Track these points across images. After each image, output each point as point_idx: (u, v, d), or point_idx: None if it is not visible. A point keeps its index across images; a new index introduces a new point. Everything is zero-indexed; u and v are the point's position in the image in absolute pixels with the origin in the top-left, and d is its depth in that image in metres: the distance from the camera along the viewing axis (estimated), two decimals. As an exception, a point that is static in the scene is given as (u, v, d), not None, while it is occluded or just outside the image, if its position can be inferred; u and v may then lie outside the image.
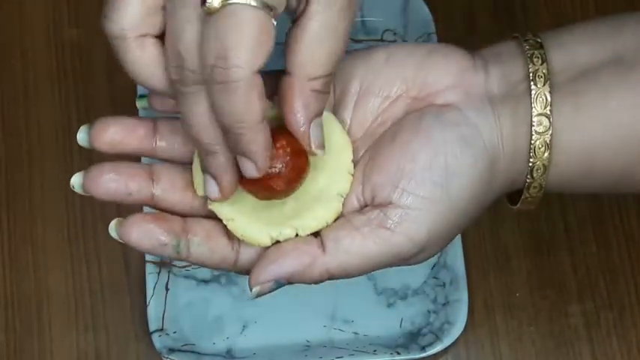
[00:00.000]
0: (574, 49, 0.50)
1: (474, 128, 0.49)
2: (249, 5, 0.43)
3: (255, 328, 0.71)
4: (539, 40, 0.50)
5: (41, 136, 0.75)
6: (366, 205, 0.50)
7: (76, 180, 0.51)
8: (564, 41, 0.51)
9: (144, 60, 0.47)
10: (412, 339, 0.70)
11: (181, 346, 0.69)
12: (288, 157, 0.48)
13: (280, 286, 0.49)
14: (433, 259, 0.72)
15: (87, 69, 0.76)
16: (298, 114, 0.47)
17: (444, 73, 0.50)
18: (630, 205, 0.73)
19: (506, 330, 0.71)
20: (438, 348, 0.69)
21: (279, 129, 0.48)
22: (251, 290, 0.49)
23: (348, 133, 0.51)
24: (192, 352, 0.69)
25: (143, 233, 0.49)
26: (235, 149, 0.47)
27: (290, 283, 0.49)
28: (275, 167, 0.48)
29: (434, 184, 0.48)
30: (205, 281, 0.71)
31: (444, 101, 0.50)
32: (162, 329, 0.69)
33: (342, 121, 0.51)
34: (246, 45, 0.44)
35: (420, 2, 0.74)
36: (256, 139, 0.46)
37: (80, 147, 0.73)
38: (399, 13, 0.75)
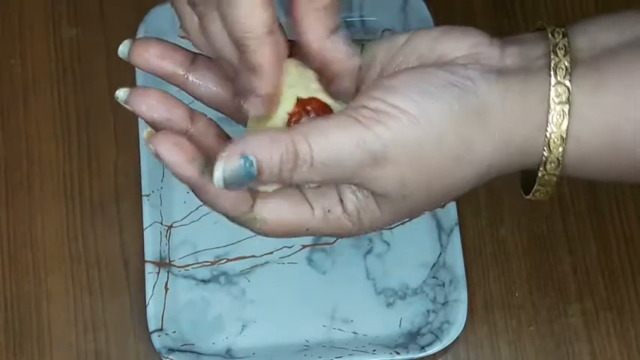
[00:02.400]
0: (596, 33, 0.50)
1: (469, 80, 0.49)
2: None
3: (254, 328, 0.71)
4: (561, 25, 0.50)
5: (41, 136, 0.75)
6: None
7: (121, 95, 0.51)
8: (586, 26, 0.50)
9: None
10: (411, 339, 0.70)
11: (181, 346, 0.69)
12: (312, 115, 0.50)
13: (249, 172, 0.46)
14: (433, 259, 0.72)
15: (87, 69, 0.76)
16: (310, 33, 0.48)
17: (458, 45, 0.50)
18: (630, 205, 0.73)
19: (506, 330, 0.71)
20: (437, 348, 0.69)
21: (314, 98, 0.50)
22: (214, 176, 0.46)
23: None
24: (192, 352, 0.69)
25: (175, 143, 0.47)
26: (245, 64, 0.48)
27: (260, 171, 0.46)
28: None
29: (409, 98, 0.48)
30: (205, 281, 0.71)
31: (451, 60, 0.50)
32: (161, 329, 0.69)
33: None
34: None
35: (419, 2, 0.74)
36: (262, 51, 0.47)
37: (80, 147, 0.74)
38: (398, 13, 0.75)
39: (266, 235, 0.51)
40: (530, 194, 0.52)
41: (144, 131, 0.49)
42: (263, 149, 0.46)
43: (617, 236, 0.73)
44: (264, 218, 0.50)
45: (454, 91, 0.48)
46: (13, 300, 0.72)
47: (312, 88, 0.50)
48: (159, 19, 0.74)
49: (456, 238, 0.71)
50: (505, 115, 0.49)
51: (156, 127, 0.51)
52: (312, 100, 0.50)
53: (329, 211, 0.51)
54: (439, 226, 0.72)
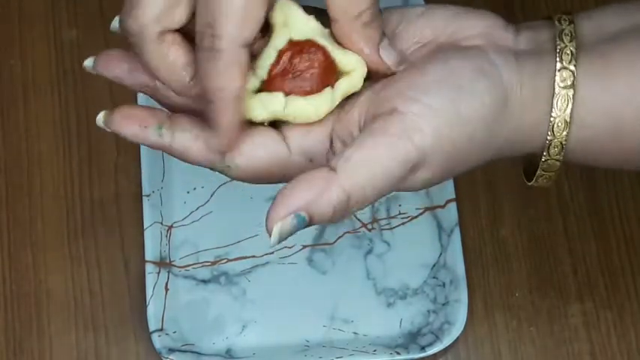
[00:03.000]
0: (602, 20, 0.51)
1: (494, 66, 0.49)
2: None
3: (254, 328, 0.71)
4: (567, 13, 0.51)
5: (41, 136, 0.75)
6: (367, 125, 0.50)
7: (88, 63, 0.52)
8: (592, 14, 0.51)
9: (164, 56, 0.48)
10: (412, 339, 0.70)
11: (181, 346, 0.69)
12: (314, 69, 0.50)
13: (302, 224, 0.46)
14: (433, 259, 0.72)
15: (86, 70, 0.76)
16: (364, 49, 0.49)
17: (474, 24, 0.51)
18: (630, 205, 0.73)
19: (506, 330, 0.71)
20: (437, 348, 0.69)
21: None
22: (270, 234, 0.46)
23: None
24: (192, 352, 0.69)
25: (127, 117, 0.50)
26: (205, 114, 0.48)
27: (312, 220, 0.47)
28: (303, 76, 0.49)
29: (444, 97, 0.48)
30: (205, 281, 0.71)
31: (469, 44, 0.50)
32: (161, 329, 0.69)
33: None
34: (232, 17, 0.45)
35: (419, 1, 0.74)
36: (225, 114, 0.47)
37: (80, 147, 0.74)
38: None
39: (243, 180, 0.51)
40: (534, 180, 0.52)
41: (99, 115, 0.50)
42: (314, 205, 0.46)
43: (617, 236, 0.73)
44: (237, 165, 0.50)
45: (484, 83, 0.49)
46: (13, 300, 0.72)
47: (329, 47, 0.50)
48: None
49: (456, 238, 0.71)
50: (519, 100, 0.49)
51: (124, 85, 0.52)
52: (307, 43, 0.50)
53: (311, 160, 0.50)
54: (439, 226, 0.72)
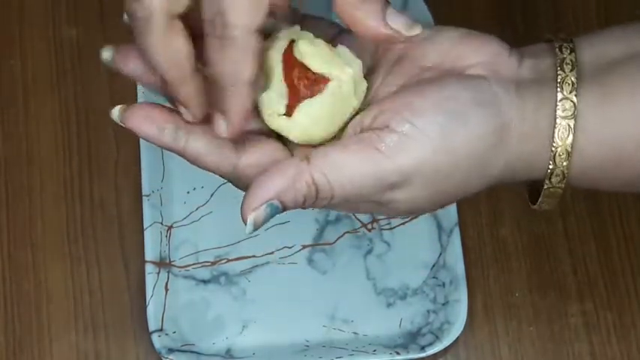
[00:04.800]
0: (603, 45, 0.51)
1: (493, 96, 0.49)
2: None
3: (254, 328, 0.71)
4: (569, 37, 0.51)
5: (41, 136, 0.75)
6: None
7: (106, 54, 0.52)
8: (593, 39, 0.51)
9: (169, 44, 0.47)
10: (412, 339, 0.70)
11: (181, 346, 0.69)
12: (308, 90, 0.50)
13: (275, 211, 0.48)
14: (433, 259, 0.72)
15: (86, 69, 0.76)
16: (370, 24, 0.48)
17: (479, 51, 0.51)
18: (630, 205, 0.73)
19: (506, 330, 0.71)
20: (437, 348, 0.69)
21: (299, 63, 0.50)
22: (246, 223, 0.48)
23: (376, 95, 0.52)
24: (192, 352, 0.69)
25: (144, 117, 0.49)
26: (215, 103, 0.48)
27: (285, 208, 0.48)
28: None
29: (436, 122, 0.48)
30: (205, 281, 0.71)
31: (473, 73, 0.50)
32: (161, 329, 0.69)
33: (371, 85, 0.52)
34: (242, 4, 0.45)
35: (419, 2, 0.74)
36: (238, 101, 0.47)
37: (80, 147, 0.74)
38: (398, 13, 0.75)
39: None
40: (537, 205, 0.52)
41: (114, 108, 0.50)
42: (286, 193, 0.48)
43: (617, 236, 0.73)
44: (247, 176, 0.50)
45: (480, 112, 0.49)
46: (13, 300, 0.72)
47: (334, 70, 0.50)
48: (159, 19, 0.74)
49: (456, 238, 0.71)
50: (520, 131, 0.50)
51: (140, 82, 0.51)
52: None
53: None
54: (439, 226, 0.72)
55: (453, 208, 0.72)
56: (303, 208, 0.49)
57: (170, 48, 0.47)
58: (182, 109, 0.50)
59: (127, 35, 0.74)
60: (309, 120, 0.50)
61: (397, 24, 0.49)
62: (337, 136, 0.51)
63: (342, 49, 0.51)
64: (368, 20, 0.49)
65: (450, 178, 0.49)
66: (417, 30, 0.50)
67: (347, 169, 0.48)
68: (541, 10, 0.77)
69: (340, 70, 0.50)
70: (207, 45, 0.47)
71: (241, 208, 0.48)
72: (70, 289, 0.72)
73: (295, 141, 0.51)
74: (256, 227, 0.48)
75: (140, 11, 0.47)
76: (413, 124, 0.48)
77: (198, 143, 0.50)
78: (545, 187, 0.51)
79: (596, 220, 0.73)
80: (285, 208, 0.49)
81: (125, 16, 0.50)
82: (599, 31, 0.52)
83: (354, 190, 0.49)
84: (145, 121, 0.50)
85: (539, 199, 0.52)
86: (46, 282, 0.72)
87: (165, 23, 0.47)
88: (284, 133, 0.51)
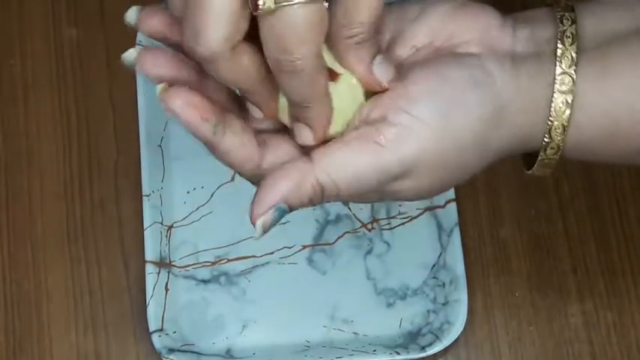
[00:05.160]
0: (605, 15, 0.50)
1: (488, 74, 0.49)
2: (300, 3, 0.44)
3: (254, 328, 0.71)
4: (570, 4, 0.50)
5: (41, 136, 0.75)
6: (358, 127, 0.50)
7: (129, 56, 0.50)
8: (596, 9, 0.51)
9: (238, 68, 0.47)
10: (412, 339, 0.70)
11: (181, 346, 0.69)
12: None
13: (283, 214, 0.49)
14: (433, 259, 0.72)
15: (87, 69, 0.76)
16: (357, 69, 0.49)
17: (470, 27, 0.51)
18: (630, 205, 0.73)
19: (506, 330, 0.71)
20: (437, 348, 0.69)
21: None
22: (255, 226, 0.49)
23: None
24: (192, 352, 0.69)
25: (189, 103, 0.48)
26: (299, 118, 0.49)
27: (292, 208, 0.49)
28: None
29: (434, 109, 0.48)
30: (205, 281, 0.71)
31: (465, 51, 0.50)
32: (161, 329, 0.69)
33: None
34: (305, 39, 0.45)
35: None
36: (321, 112, 0.48)
37: (80, 147, 0.74)
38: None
39: None
40: (531, 171, 0.52)
41: (158, 86, 0.49)
42: (292, 196, 0.49)
43: (617, 236, 0.73)
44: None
45: (477, 94, 0.49)
46: (13, 300, 0.72)
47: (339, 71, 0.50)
48: (159, 19, 0.74)
49: (456, 239, 0.71)
50: (517, 106, 0.49)
51: (165, 42, 0.51)
52: None
53: None
54: (439, 227, 0.72)
55: (453, 208, 0.72)
56: (312, 205, 0.50)
57: (238, 69, 0.47)
58: (253, 109, 0.50)
59: (127, 35, 0.75)
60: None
61: (382, 76, 0.50)
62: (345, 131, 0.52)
63: None
64: (355, 65, 0.49)
65: (453, 162, 0.49)
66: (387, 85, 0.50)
67: (350, 166, 0.49)
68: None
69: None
70: (278, 76, 0.47)
71: (250, 213, 0.49)
72: (70, 289, 0.72)
73: None
74: (265, 231, 0.49)
75: (204, 52, 0.46)
76: (410, 113, 0.48)
77: (233, 139, 0.49)
78: (540, 158, 0.51)
79: (596, 220, 0.73)
80: (291, 209, 0.49)
81: (128, 16, 0.50)
82: (598, 1, 0.51)
83: (359, 185, 0.49)
84: (189, 108, 0.48)
85: (534, 168, 0.52)
86: (46, 282, 0.72)
87: (229, 56, 0.46)
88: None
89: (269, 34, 0.45)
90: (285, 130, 0.52)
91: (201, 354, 0.69)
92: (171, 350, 0.68)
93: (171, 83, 0.49)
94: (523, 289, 0.72)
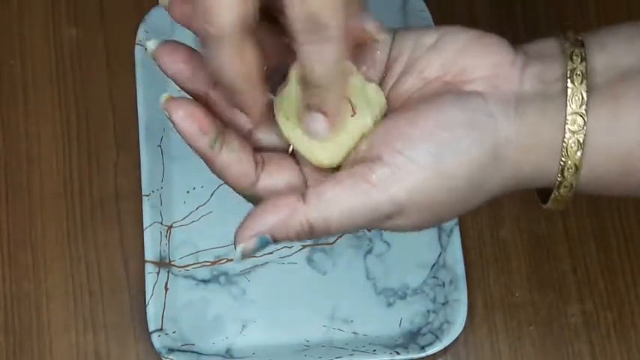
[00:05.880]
0: (616, 51, 0.50)
1: (489, 116, 0.49)
2: None
3: (254, 327, 0.71)
4: (580, 39, 0.50)
5: (41, 136, 0.75)
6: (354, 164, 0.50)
7: (151, 45, 0.51)
8: (606, 42, 0.50)
9: (242, 56, 0.47)
10: (412, 339, 0.70)
11: (181, 346, 0.69)
12: None
13: (265, 244, 0.49)
14: (433, 259, 0.72)
15: (86, 69, 0.76)
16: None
17: (480, 63, 0.50)
18: (630, 205, 0.73)
19: (506, 330, 0.71)
20: (437, 348, 0.69)
21: None
22: (236, 250, 0.49)
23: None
24: (192, 352, 0.69)
25: (190, 114, 0.49)
26: (314, 104, 0.49)
27: (275, 240, 0.49)
28: None
29: (428, 151, 0.48)
30: (205, 281, 0.71)
31: (472, 89, 0.50)
32: (161, 329, 0.69)
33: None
34: (334, 4, 0.45)
35: (419, 1, 0.74)
36: (337, 96, 0.49)
37: (80, 147, 0.74)
38: (398, 12, 0.75)
39: None
40: (546, 206, 0.52)
41: (162, 95, 0.50)
42: (278, 230, 0.49)
43: (617, 236, 0.73)
44: (262, 198, 0.51)
45: (473, 138, 0.49)
46: (13, 300, 0.72)
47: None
48: (159, 19, 0.74)
49: (456, 238, 0.71)
50: (518, 146, 0.49)
51: (176, 83, 0.51)
52: None
53: None
54: (439, 227, 0.72)
55: (452, 208, 0.72)
56: (299, 241, 0.51)
57: (242, 63, 0.47)
58: (243, 115, 0.50)
59: (127, 35, 0.75)
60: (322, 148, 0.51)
61: (367, 22, 0.51)
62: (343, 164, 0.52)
63: (374, 87, 0.52)
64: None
65: (445, 202, 0.49)
66: (386, 36, 0.51)
67: (341, 205, 0.48)
68: (541, 9, 0.77)
69: (366, 113, 0.51)
70: (301, 52, 0.47)
71: (235, 234, 0.49)
72: (70, 289, 0.72)
73: (301, 152, 0.51)
74: (245, 257, 0.49)
75: (212, 30, 0.46)
76: (404, 155, 0.48)
77: (230, 155, 0.50)
78: (554, 196, 0.51)
79: (596, 220, 0.73)
80: (275, 242, 0.49)
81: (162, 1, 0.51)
82: (612, 29, 0.51)
83: (351, 223, 0.49)
84: (188, 118, 0.49)
85: (547, 204, 0.52)
86: (45, 282, 0.72)
87: (238, 41, 0.46)
88: (292, 141, 0.51)
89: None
90: (285, 151, 0.52)
91: (200, 354, 0.69)
92: (171, 350, 0.68)
93: (180, 84, 0.50)
94: (523, 289, 0.72)
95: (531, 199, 0.73)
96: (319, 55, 0.47)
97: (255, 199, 0.51)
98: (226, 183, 0.51)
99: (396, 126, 0.49)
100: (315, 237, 0.50)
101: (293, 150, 0.52)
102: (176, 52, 0.51)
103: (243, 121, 0.52)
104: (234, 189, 0.52)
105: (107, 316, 0.71)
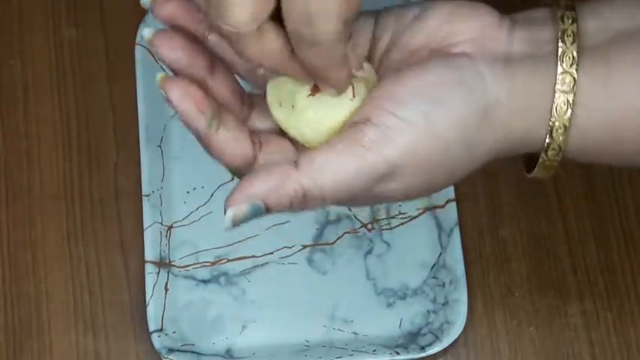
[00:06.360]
0: (608, 15, 0.50)
1: (478, 75, 0.49)
2: None
3: (254, 328, 0.71)
4: (571, 3, 0.50)
5: (41, 136, 0.75)
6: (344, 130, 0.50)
7: (146, 33, 0.51)
8: (599, 7, 0.50)
9: (263, 46, 0.47)
10: (412, 339, 0.70)
11: (181, 346, 0.69)
12: None
13: (258, 212, 0.48)
14: (433, 259, 0.72)
15: (86, 68, 0.76)
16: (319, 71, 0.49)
17: (466, 27, 0.50)
18: (630, 205, 0.73)
19: (506, 330, 0.71)
20: (437, 348, 0.69)
21: None
22: (225, 215, 0.48)
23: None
24: (192, 352, 0.69)
25: (186, 93, 0.49)
26: (318, 79, 0.49)
27: (268, 210, 0.48)
28: None
29: (417, 109, 0.48)
30: (205, 281, 0.71)
31: (459, 51, 0.50)
32: (161, 329, 0.69)
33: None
34: (330, 13, 0.45)
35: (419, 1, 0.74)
36: (343, 71, 0.48)
37: (80, 147, 0.74)
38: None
39: None
40: (532, 174, 0.52)
41: (158, 74, 0.49)
42: (271, 196, 0.48)
43: (617, 236, 0.73)
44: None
45: (462, 95, 0.48)
46: (13, 300, 0.71)
47: None
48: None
49: (456, 239, 0.71)
50: (509, 108, 0.49)
51: (175, 71, 0.51)
52: None
53: None
54: (439, 227, 0.72)
55: (452, 208, 0.72)
56: (291, 212, 0.49)
57: (265, 48, 0.47)
58: (240, 102, 0.50)
59: (127, 35, 0.75)
60: (315, 119, 0.50)
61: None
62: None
63: (367, 66, 0.52)
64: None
65: (439, 161, 0.49)
66: (358, 73, 0.51)
67: (335, 170, 0.48)
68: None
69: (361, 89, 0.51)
70: (296, 48, 0.47)
71: (225, 201, 0.48)
72: (70, 289, 0.72)
73: (291, 134, 0.51)
74: (235, 224, 0.48)
75: (229, 28, 0.46)
76: (394, 114, 0.48)
77: (227, 134, 0.49)
78: (541, 160, 0.50)
79: (596, 220, 0.73)
80: (268, 211, 0.48)
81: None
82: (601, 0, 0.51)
83: (346, 189, 0.48)
84: (185, 96, 0.49)
85: (535, 170, 0.51)
86: (45, 282, 0.72)
87: (256, 34, 0.46)
88: (283, 125, 0.51)
89: (291, 5, 0.45)
90: (282, 133, 0.52)
91: (201, 354, 0.69)
92: (171, 350, 0.68)
93: (178, 72, 0.50)
94: (523, 289, 0.72)
95: (532, 198, 0.73)
96: (317, 56, 0.47)
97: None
98: (224, 164, 0.51)
99: (385, 89, 0.49)
100: (309, 206, 0.49)
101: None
102: (173, 39, 0.50)
103: (239, 106, 0.52)
104: (232, 171, 0.51)
105: (107, 316, 0.71)
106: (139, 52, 0.74)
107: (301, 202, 0.49)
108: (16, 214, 0.73)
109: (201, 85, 0.50)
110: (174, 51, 0.50)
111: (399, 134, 0.48)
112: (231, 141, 0.49)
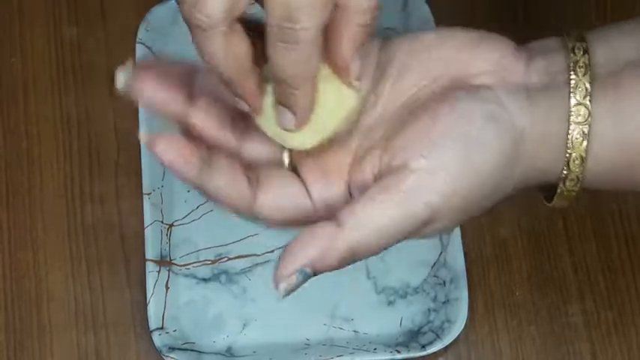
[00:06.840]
0: (618, 44, 0.50)
1: (503, 107, 0.49)
2: None
3: (255, 326, 0.71)
4: (582, 34, 0.50)
5: (41, 135, 0.75)
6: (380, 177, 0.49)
7: (121, 79, 0.51)
8: (608, 37, 0.50)
9: (231, 47, 0.47)
10: (412, 337, 0.70)
11: (181, 345, 0.69)
12: None
13: (307, 278, 0.48)
14: (433, 258, 0.72)
15: (87, 68, 0.76)
16: (344, 48, 0.48)
17: (484, 58, 0.50)
18: (630, 205, 0.73)
19: (506, 329, 0.71)
20: (438, 346, 0.69)
21: None
22: (278, 289, 0.48)
23: (385, 110, 0.51)
24: (193, 350, 0.69)
25: (170, 146, 0.49)
26: (282, 100, 0.48)
27: (316, 272, 0.48)
28: None
29: (453, 149, 0.48)
30: (205, 280, 0.71)
31: (479, 83, 0.50)
32: (162, 328, 0.69)
33: (377, 98, 0.51)
34: (312, 9, 0.44)
35: (420, 1, 0.74)
36: (307, 95, 0.48)
37: (80, 146, 0.74)
38: (399, 12, 0.75)
39: (270, 227, 0.52)
40: (552, 204, 0.52)
41: (140, 132, 0.50)
42: (319, 261, 0.48)
43: (617, 236, 0.73)
44: (265, 216, 0.50)
45: (494, 130, 0.48)
46: (13, 299, 0.71)
47: (323, 74, 0.50)
48: (159, 18, 0.74)
49: (456, 237, 0.71)
50: (533, 140, 0.49)
51: (154, 112, 0.51)
52: None
53: (333, 211, 0.50)
54: (440, 226, 0.72)
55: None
56: (342, 267, 0.49)
57: (231, 50, 0.47)
58: (242, 104, 0.50)
59: (127, 35, 0.75)
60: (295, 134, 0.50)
61: (354, 70, 0.49)
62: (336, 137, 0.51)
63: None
64: (348, 48, 0.49)
65: (478, 197, 0.49)
66: (357, 85, 0.50)
67: (378, 222, 0.48)
68: (542, 9, 0.77)
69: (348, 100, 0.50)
70: (272, 50, 0.46)
71: (274, 274, 0.48)
72: (71, 288, 0.72)
73: (271, 137, 0.51)
74: (287, 294, 0.48)
75: (201, 20, 0.45)
76: (429, 158, 0.48)
77: (220, 180, 0.49)
78: (559, 190, 0.51)
79: (596, 220, 0.73)
80: (316, 274, 0.49)
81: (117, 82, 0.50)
82: (616, 25, 0.51)
83: (390, 238, 0.48)
84: (170, 150, 0.49)
85: (554, 201, 0.52)
86: (46, 281, 0.72)
87: (227, 30, 0.46)
88: (263, 129, 0.51)
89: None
90: (277, 162, 0.52)
91: (201, 352, 0.69)
92: (172, 349, 0.68)
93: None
94: (523, 288, 0.72)
95: (531, 198, 0.73)
96: (287, 57, 0.46)
97: (258, 221, 0.51)
98: (225, 209, 0.50)
99: (415, 130, 0.49)
100: (357, 260, 0.49)
101: (288, 162, 0.51)
102: (148, 72, 0.50)
103: (228, 137, 0.51)
104: (234, 214, 0.51)
105: (108, 315, 0.71)
106: (139, 51, 0.74)
107: (349, 259, 0.48)
108: (17, 213, 0.73)
109: (184, 123, 0.50)
110: (149, 82, 0.50)
111: (437, 179, 0.48)
112: (227, 187, 0.49)
